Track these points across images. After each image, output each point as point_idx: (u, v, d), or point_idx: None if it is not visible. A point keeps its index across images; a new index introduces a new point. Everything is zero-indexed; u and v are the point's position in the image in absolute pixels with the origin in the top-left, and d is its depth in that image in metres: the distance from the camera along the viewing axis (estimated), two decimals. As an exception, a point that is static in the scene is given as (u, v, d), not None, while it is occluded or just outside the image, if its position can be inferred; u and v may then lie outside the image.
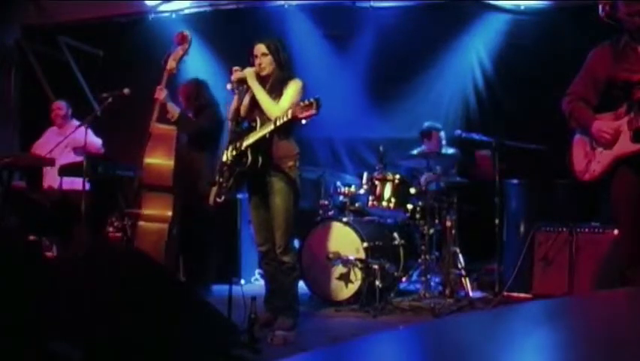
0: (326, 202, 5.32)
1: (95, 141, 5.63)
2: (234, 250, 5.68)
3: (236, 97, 3.93)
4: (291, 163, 3.84)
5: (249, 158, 3.75)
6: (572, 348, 1.14)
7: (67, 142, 5.46)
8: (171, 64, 4.59)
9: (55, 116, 5.95)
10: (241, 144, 3.80)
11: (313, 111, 3.37)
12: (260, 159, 3.76)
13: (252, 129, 3.80)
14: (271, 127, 3.63)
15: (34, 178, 5.90)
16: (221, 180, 3.84)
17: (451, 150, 5.47)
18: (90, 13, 6.98)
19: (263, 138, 3.71)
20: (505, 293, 4.69)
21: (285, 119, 3.52)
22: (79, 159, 5.39)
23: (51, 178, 5.71)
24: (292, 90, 3.77)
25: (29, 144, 6.30)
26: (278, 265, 3.86)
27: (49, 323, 2.60)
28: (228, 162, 3.85)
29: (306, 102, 3.40)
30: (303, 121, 3.44)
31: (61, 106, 5.97)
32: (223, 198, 3.83)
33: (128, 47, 6.99)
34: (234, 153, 3.83)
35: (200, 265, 5.16)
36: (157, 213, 4.26)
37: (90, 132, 5.47)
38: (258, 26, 6.36)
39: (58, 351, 2.52)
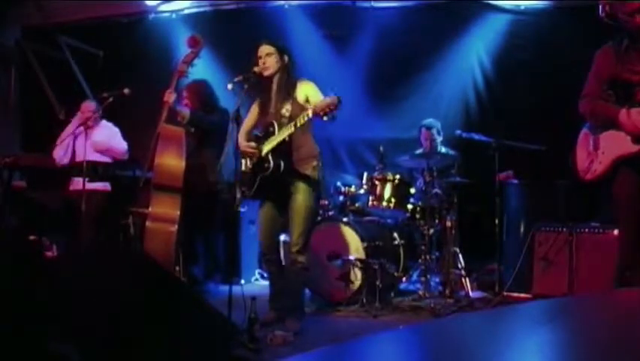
0: (326, 202, 5.32)
1: (120, 146, 5.40)
2: (234, 250, 5.67)
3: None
4: (314, 163, 3.84)
5: (271, 163, 3.73)
6: (572, 348, 1.14)
7: (90, 143, 5.31)
8: (182, 67, 4.60)
9: (87, 118, 5.77)
10: (260, 151, 3.80)
11: (334, 108, 3.35)
12: (282, 164, 3.74)
13: (269, 134, 3.78)
14: (291, 129, 3.63)
15: (35, 178, 5.89)
16: (243, 188, 3.83)
17: (452, 152, 5.46)
18: (90, 13, 6.98)
19: (282, 141, 3.70)
20: (505, 293, 4.69)
21: (306, 118, 3.51)
22: (105, 158, 5.35)
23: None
24: (316, 90, 3.80)
25: (29, 144, 6.29)
26: (290, 264, 3.86)
27: (49, 322, 2.60)
28: (248, 170, 3.84)
29: (328, 99, 3.38)
30: (325, 118, 3.40)
31: (91, 107, 5.78)
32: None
33: (128, 47, 6.99)
34: (254, 160, 3.83)
35: (203, 264, 5.17)
36: (167, 214, 4.26)
37: (119, 135, 5.42)
38: (258, 26, 6.35)
39: (58, 351, 2.52)
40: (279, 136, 3.70)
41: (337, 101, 3.35)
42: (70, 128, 5.40)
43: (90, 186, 5.01)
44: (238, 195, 3.87)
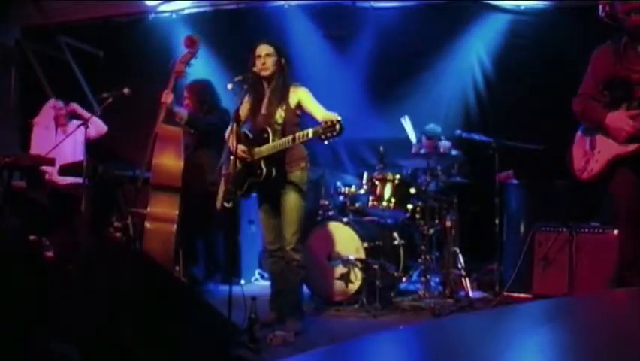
0: (326, 202, 5.32)
1: (100, 123, 5.77)
2: (234, 250, 5.67)
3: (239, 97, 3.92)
4: (303, 164, 3.86)
5: (264, 170, 3.73)
6: (572, 348, 1.14)
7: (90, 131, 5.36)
8: (179, 67, 4.59)
9: (58, 116, 5.92)
10: (252, 155, 3.79)
11: (336, 135, 3.30)
12: (274, 171, 3.75)
13: (263, 140, 3.77)
14: (289, 144, 3.60)
15: (35, 178, 5.89)
16: (230, 186, 3.82)
17: (454, 152, 5.46)
18: (90, 13, 6.98)
19: (277, 150, 3.70)
20: (505, 293, 4.69)
21: (306, 138, 3.49)
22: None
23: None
24: (310, 97, 3.78)
25: (29, 144, 6.28)
26: (287, 263, 3.86)
27: (49, 323, 2.60)
28: (238, 170, 3.83)
29: (329, 123, 3.31)
30: (325, 142, 3.37)
31: (60, 106, 5.96)
32: (231, 203, 3.83)
33: (128, 47, 6.99)
34: (245, 162, 3.81)
35: (203, 265, 5.17)
36: (166, 214, 4.26)
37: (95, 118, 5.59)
38: (258, 26, 6.36)
39: (58, 351, 2.52)
40: (276, 146, 3.68)
41: (339, 128, 3.29)
42: (43, 130, 5.75)
43: (69, 181, 5.11)
44: (220, 193, 3.87)
